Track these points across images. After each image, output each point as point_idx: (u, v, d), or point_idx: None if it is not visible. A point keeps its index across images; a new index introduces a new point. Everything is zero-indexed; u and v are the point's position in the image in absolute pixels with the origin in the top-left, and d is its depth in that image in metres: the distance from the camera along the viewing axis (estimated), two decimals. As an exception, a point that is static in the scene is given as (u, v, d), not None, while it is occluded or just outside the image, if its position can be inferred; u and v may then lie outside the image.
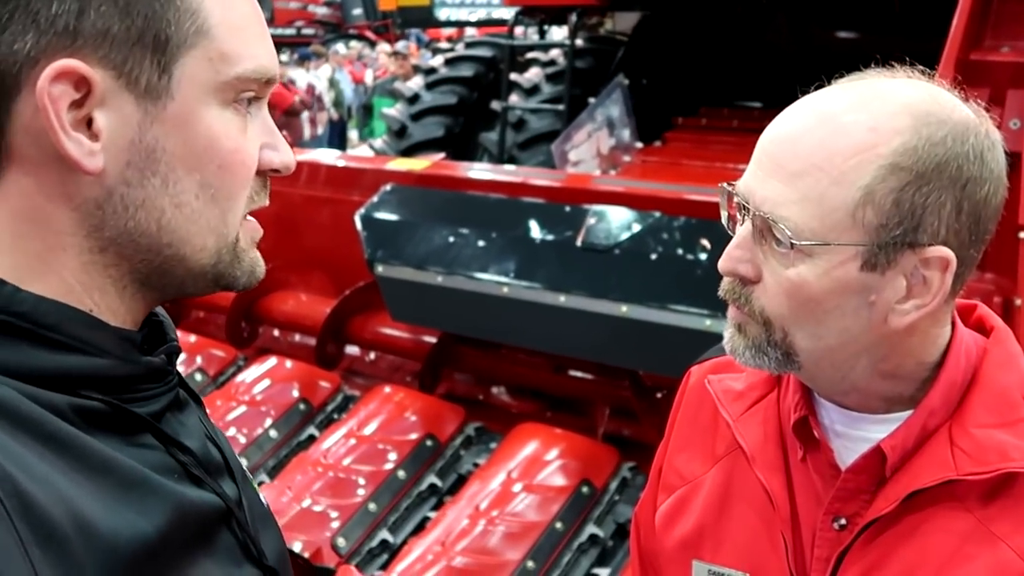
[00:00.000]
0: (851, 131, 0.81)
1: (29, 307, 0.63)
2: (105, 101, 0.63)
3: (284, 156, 0.73)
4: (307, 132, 11.47)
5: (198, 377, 3.03)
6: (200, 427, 0.76)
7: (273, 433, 2.72)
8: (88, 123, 0.63)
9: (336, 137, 13.85)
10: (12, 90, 0.61)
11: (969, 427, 0.87)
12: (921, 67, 0.89)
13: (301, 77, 12.18)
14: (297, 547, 2.24)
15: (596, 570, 2.23)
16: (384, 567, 2.27)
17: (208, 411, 0.82)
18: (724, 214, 0.94)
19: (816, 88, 0.89)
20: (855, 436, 0.92)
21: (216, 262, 0.70)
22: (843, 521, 0.91)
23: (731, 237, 0.92)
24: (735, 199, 0.90)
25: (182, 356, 0.77)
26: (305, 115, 11.46)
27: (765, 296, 0.87)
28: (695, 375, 1.12)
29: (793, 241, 0.82)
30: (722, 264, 0.89)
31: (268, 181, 0.74)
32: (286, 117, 10.28)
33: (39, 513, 0.55)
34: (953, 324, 0.91)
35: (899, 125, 0.80)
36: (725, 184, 0.93)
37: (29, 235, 0.64)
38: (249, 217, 0.73)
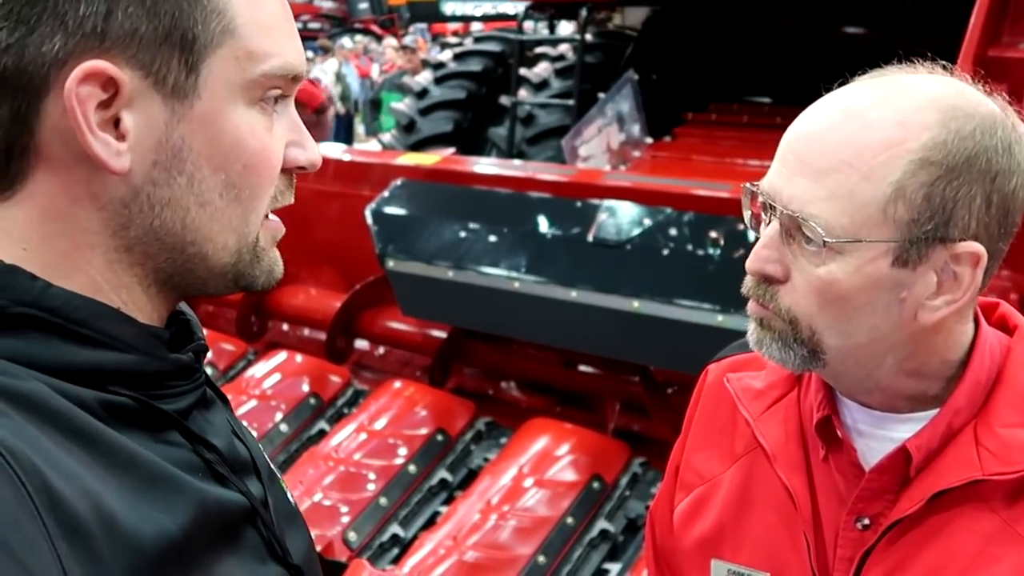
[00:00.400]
0: (879, 127, 0.81)
1: (60, 302, 0.63)
2: (133, 101, 0.63)
3: (310, 154, 0.73)
4: (316, 127, 11.46)
5: (208, 371, 3.02)
6: (227, 426, 0.76)
7: (284, 427, 2.72)
8: (115, 123, 0.63)
9: (343, 131, 13.85)
10: (41, 91, 0.61)
11: (995, 426, 0.86)
12: (943, 62, 0.88)
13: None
14: (308, 541, 2.25)
15: (607, 565, 2.24)
16: (395, 561, 2.28)
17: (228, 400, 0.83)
18: (747, 213, 0.93)
19: (839, 85, 0.89)
20: (879, 436, 0.92)
21: (236, 261, 0.70)
22: (866, 521, 0.91)
23: (744, 233, 0.91)
24: (760, 198, 0.89)
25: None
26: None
27: (792, 295, 0.86)
28: (712, 373, 1.12)
29: (825, 239, 0.82)
30: (750, 264, 0.88)
31: (294, 179, 0.74)
32: (316, 115, 10.16)
33: (66, 508, 0.55)
34: (977, 322, 0.91)
35: (927, 120, 0.80)
36: (748, 184, 0.92)
37: (57, 233, 0.64)
38: (272, 216, 0.73)
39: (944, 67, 0.87)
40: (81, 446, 0.59)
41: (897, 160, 0.80)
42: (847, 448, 0.93)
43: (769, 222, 0.88)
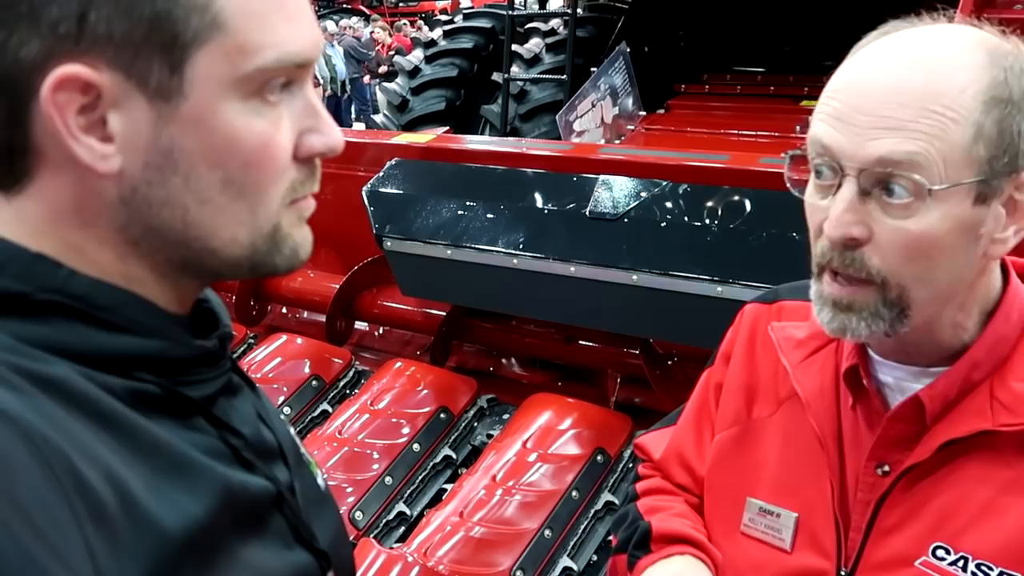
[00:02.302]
0: (948, 71, 0.82)
1: (86, 289, 0.63)
2: (117, 103, 0.61)
3: (328, 139, 0.70)
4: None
5: (210, 356, 3.03)
6: (253, 412, 0.76)
7: (287, 410, 2.73)
8: (104, 124, 0.62)
9: (331, 113, 13.80)
10: (27, 94, 0.60)
11: (1011, 381, 0.89)
12: (944, 9, 0.89)
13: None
14: (315, 521, 2.25)
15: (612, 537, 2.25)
16: (402, 539, 2.29)
17: (258, 386, 0.83)
18: (792, 178, 0.93)
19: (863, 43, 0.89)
20: (905, 388, 0.95)
21: (251, 253, 0.69)
22: (886, 468, 0.95)
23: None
24: (816, 160, 0.88)
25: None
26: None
27: (879, 253, 0.85)
28: (751, 312, 1.16)
29: (930, 187, 0.81)
30: (833, 231, 0.86)
31: (317, 165, 0.71)
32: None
33: (91, 491, 0.56)
34: (1008, 278, 0.94)
35: (981, 61, 0.82)
36: (796, 150, 0.92)
37: (67, 227, 0.65)
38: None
39: (943, 14, 0.89)
40: (106, 430, 0.60)
41: (973, 101, 0.81)
42: (872, 396, 0.97)
43: (838, 185, 0.86)
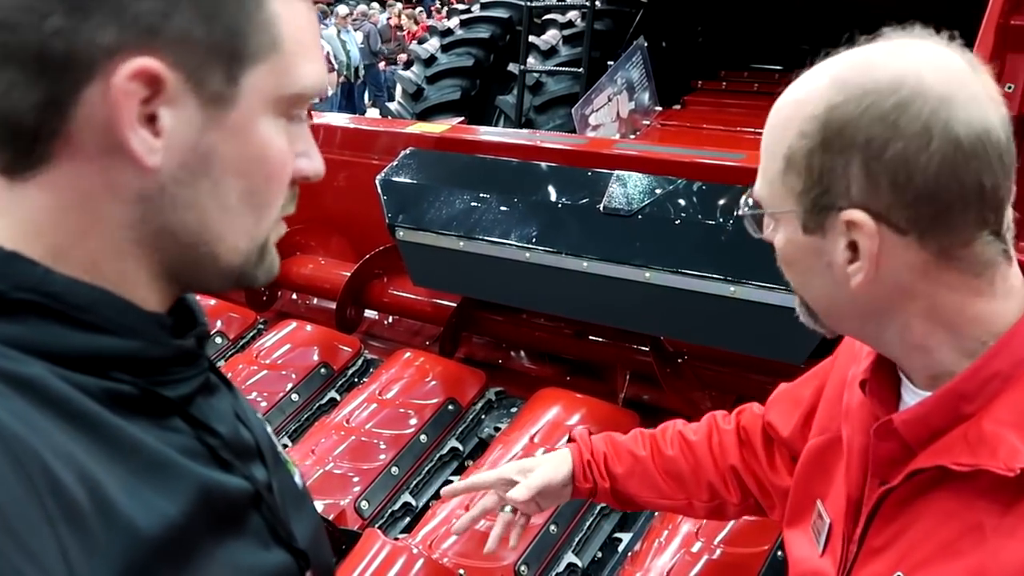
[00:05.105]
0: (785, 107, 0.88)
1: (61, 288, 0.63)
2: (172, 101, 0.63)
3: (316, 164, 0.75)
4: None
5: (218, 340, 3.04)
6: (231, 412, 0.76)
7: (295, 397, 2.73)
8: (149, 120, 0.63)
9: (343, 99, 13.79)
10: (84, 78, 0.61)
11: (985, 420, 0.84)
12: (934, 27, 0.86)
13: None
14: (320, 509, 2.26)
15: (617, 534, 2.25)
16: (407, 530, 2.29)
17: (235, 385, 0.83)
18: None
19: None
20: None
21: (244, 262, 0.72)
22: (890, 485, 0.93)
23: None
24: None
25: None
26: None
27: None
28: None
29: (740, 212, 0.95)
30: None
31: (297, 189, 0.75)
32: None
33: (65, 492, 0.55)
34: None
35: (815, 96, 0.84)
36: None
37: (70, 220, 0.64)
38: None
39: (940, 31, 0.86)
40: (81, 431, 0.59)
41: (787, 134, 0.86)
42: (876, 409, 0.97)
43: None
